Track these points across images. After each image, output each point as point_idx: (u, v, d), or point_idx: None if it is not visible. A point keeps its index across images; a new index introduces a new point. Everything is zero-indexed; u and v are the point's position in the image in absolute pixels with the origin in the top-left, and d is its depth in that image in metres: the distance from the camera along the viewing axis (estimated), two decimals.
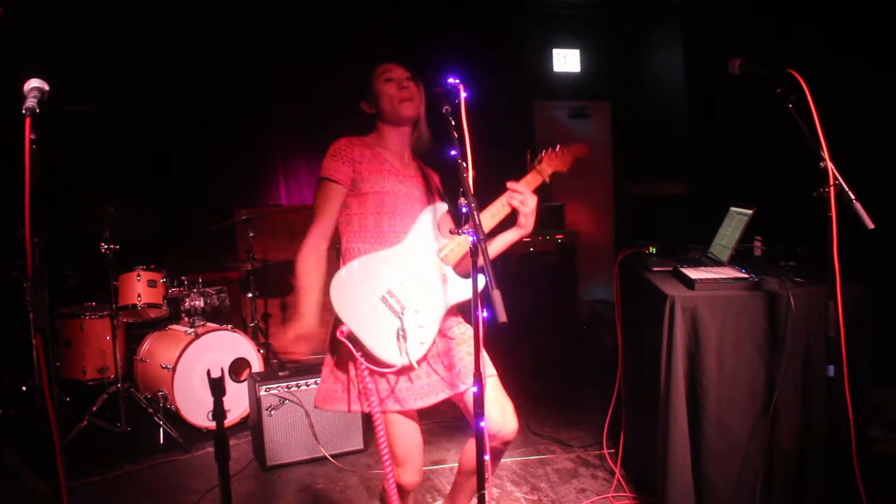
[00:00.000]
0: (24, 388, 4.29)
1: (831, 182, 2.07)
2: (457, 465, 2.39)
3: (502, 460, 3.38)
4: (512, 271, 4.89)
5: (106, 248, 3.83)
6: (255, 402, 3.46)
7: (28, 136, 1.47)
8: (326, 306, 1.93)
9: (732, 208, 3.01)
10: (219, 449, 1.98)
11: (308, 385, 3.47)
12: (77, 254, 4.37)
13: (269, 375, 3.54)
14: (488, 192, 2.02)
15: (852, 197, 2.05)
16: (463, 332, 2.09)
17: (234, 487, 3.15)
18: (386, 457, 1.95)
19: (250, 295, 4.60)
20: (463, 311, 2.10)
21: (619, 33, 6.98)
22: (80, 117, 4.40)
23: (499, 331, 1.54)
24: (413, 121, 2.10)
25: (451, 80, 1.83)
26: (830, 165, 2.08)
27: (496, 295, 1.52)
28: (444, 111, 1.83)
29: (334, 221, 2.04)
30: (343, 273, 1.92)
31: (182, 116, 5.21)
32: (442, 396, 2.01)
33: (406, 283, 1.95)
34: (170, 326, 4.28)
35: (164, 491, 3.29)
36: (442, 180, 2.20)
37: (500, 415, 2.03)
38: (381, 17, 5.65)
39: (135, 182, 4.94)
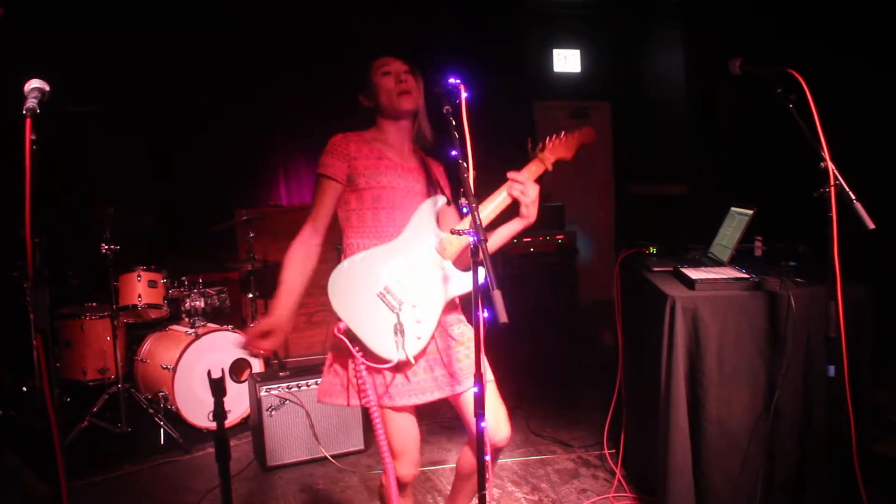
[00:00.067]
0: (24, 389, 4.29)
1: (832, 182, 2.07)
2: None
3: (502, 461, 3.39)
4: (512, 271, 4.88)
5: (106, 249, 3.83)
6: (256, 402, 3.46)
7: (28, 136, 1.47)
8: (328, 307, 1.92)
9: (733, 208, 3.01)
10: (219, 449, 1.98)
11: (308, 385, 3.47)
12: (77, 254, 4.37)
13: (269, 376, 3.54)
14: (489, 191, 2.01)
15: (853, 197, 2.06)
16: (462, 333, 2.08)
17: (235, 488, 3.15)
18: (384, 450, 1.94)
19: (251, 295, 4.59)
20: (465, 310, 2.09)
21: (619, 33, 6.98)
22: (81, 117, 4.41)
23: (499, 331, 1.54)
24: (412, 114, 2.08)
25: (451, 81, 1.82)
26: (831, 165, 2.08)
27: (497, 295, 1.51)
28: (444, 111, 1.83)
29: (328, 217, 2.03)
30: (340, 269, 1.92)
31: (182, 116, 5.20)
32: (437, 395, 2.00)
33: (403, 277, 1.94)
34: (170, 327, 4.28)
35: (165, 491, 3.29)
36: (447, 171, 2.17)
37: (493, 420, 2.02)
38: (381, 17, 5.65)
39: (135, 182, 4.94)
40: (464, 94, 1.79)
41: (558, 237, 5.10)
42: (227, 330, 4.08)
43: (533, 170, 2.04)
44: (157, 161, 5.22)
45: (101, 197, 4.04)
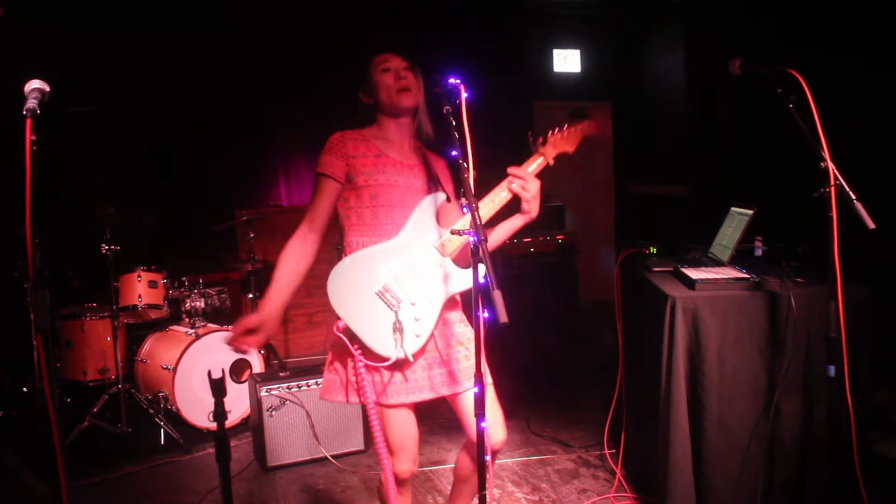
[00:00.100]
0: (24, 389, 4.29)
1: (832, 182, 2.07)
2: None
3: (503, 461, 3.39)
4: (512, 271, 4.88)
5: (106, 249, 3.83)
6: (256, 402, 3.46)
7: (28, 136, 1.47)
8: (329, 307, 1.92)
9: (733, 208, 3.01)
10: (220, 450, 1.98)
11: (309, 386, 3.47)
12: (78, 254, 4.37)
13: (269, 376, 3.54)
14: (489, 190, 2.00)
15: (853, 197, 2.05)
16: (462, 333, 2.08)
17: (235, 488, 3.15)
18: (381, 448, 1.94)
19: (251, 296, 4.59)
20: (466, 309, 2.09)
21: (619, 33, 6.98)
22: (81, 118, 4.41)
23: (499, 331, 1.53)
24: (412, 111, 2.07)
25: (451, 81, 1.82)
26: (831, 165, 2.08)
27: (497, 296, 1.51)
28: (444, 111, 1.82)
29: (325, 216, 2.03)
30: (339, 268, 1.92)
31: (182, 117, 5.20)
32: (434, 394, 2.00)
33: (402, 275, 1.94)
34: (170, 327, 4.28)
35: (165, 492, 3.29)
36: (449, 166, 2.14)
37: (489, 424, 2.01)
38: (381, 17, 5.65)
39: (135, 182, 4.94)
40: (464, 95, 1.79)
41: (558, 237, 5.09)
42: (228, 330, 4.06)
43: (534, 164, 2.01)
44: (157, 161, 5.22)
45: (101, 197, 4.04)
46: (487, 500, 1.73)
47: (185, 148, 5.24)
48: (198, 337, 3.95)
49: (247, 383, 3.75)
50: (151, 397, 4.05)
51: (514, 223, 2.02)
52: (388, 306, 1.90)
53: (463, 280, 1.99)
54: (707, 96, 5.63)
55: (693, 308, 2.46)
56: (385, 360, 1.88)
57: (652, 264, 2.96)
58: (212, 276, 4.70)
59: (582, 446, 3.57)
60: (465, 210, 1.74)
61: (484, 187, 1.94)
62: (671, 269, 2.82)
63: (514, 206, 1.99)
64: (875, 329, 2.46)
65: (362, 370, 1.90)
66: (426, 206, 2.02)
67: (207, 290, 4.31)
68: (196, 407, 3.90)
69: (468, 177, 1.75)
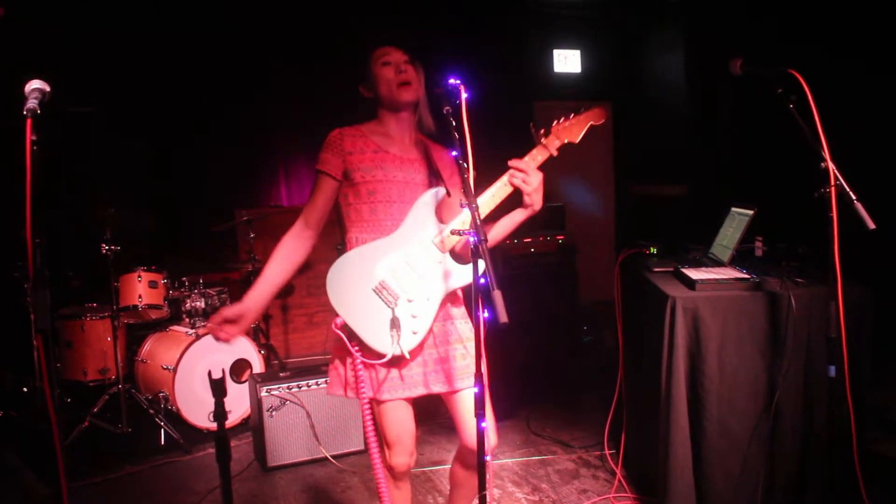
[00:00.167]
0: (25, 389, 4.29)
1: (832, 182, 2.07)
2: None
3: (503, 461, 3.39)
4: (512, 271, 4.88)
5: (107, 249, 3.83)
6: (256, 402, 3.46)
7: (29, 137, 1.47)
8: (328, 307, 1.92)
9: (733, 209, 3.01)
10: (220, 450, 1.98)
11: (309, 386, 3.47)
12: (78, 255, 4.36)
13: (270, 376, 3.54)
14: (490, 185, 1.99)
15: (853, 197, 2.05)
16: (463, 330, 2.07)
17: (236, 488, 3.15)
18: (372, 443, 1.93)
19: None
20: (468, 305, 2.08)
21: (619, 33, 6.98)
22: (81, 118, 4.41)
23: (499, 331, 1.53)
24: (412, 105, 2.05)
25: (451, 81, 1.82)
26: (831, 166, 2.08)
27: (497, 296, 1.51)
28: (444, 111, 1.82)
29: (321, 212, 2.03)
30: (337, 265, 1.92)
31: (182, 117, 5.20)
32: (429, 390, 2.00)
33: (399, 271, 1.93)
34: (171, 327, 4.28)
35: (165, 492, 3.29)
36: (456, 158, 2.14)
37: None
38: (381, 18, 5.65)
39: (135, 183, 4.94)
40: (464, 95, 1.78)
41: (558, 237, 5.09)
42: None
43: (536, 156, 1.95)
44: (157, 161, 5.22)
45: (101, 197, 4.04)
46: (487, 500, 1.73)
47: (186, 148, 5.24)
48: (198, 337, 3.95)
49: (247, 383, 3.75)
50: (152, 397, 4.05)
51: (517, 217, 1.99)
52: (385, 303, 1.90)
53: (462, 276, 1.98)
54: (707, 96, 5.64)
55: (693, 308, 2.46)
56: (381, 356, 1.88)
57: (652, 264, 2.96)
58: (212, 276, 4.70)
59: (582, 446, 3.57)
60: (462, 205, 1.73)
61: (484, 188, 1.94)
62: (671, 269, 2.82)
63: (517, 199, 1.95)
64: (875, 329, 2.46)
65: (360, 367, 1.91)
66: (426, 201, 2.00)
67: (208, 290, 4.31)
68: (196, 407, 3.90)
69: (468, 177, 1.75)
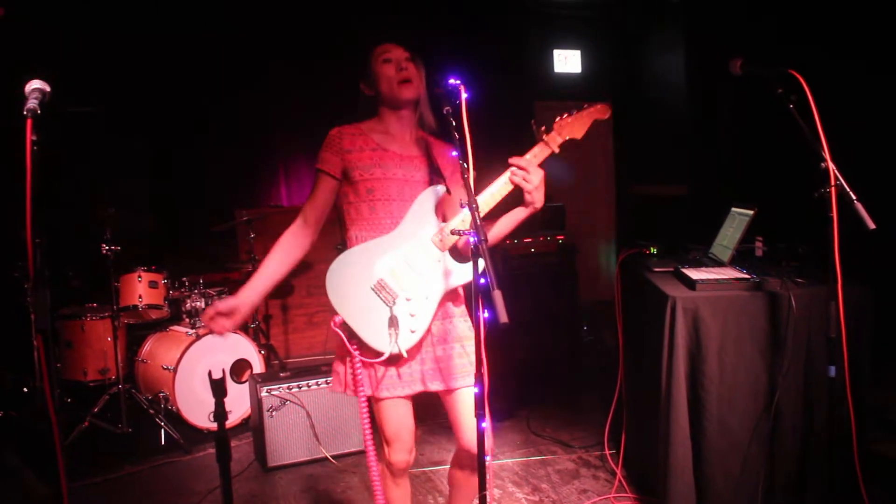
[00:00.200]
0: (25, 390, 4.29)
1: (832, 182, 2.07)
2: None
3: (503, 461, 3.39)
4: (512, 271, 4.88)
5: (107, 249, 3.83)
6: (257, 403, 3.46)
7: (29, 137, 1.47)
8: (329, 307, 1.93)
9: (733, 209, 3.01)
10: (220, 450, 1.98)
11: (309, 386, 3.47)
12: (78, 255, 4.36)
13: (270, 376, 3.55)
14: (490, 183, 1.98)
15: (853, 197, 2.05)
16: (462, 329, 2.06)
17: (236, 489, 3.15)
18: (368, 441, 1.93)
19: None
20: (469, 304, 2.08)
21: (619, 33, 6.97)
22: (81, 118, 4.41)
23: (499, 331, 1.53)
24: (413, 102, 2.05)
25: (451, 81, 1.81)
26: (831, 166, 2.08)
27: (497, 295, 1.50)
28: (444, 112, 1.82)
29: (320, 211, 2.03)
30: (336, 263, 1.92)
31: (182, 117, 5.20)
32: (425, 388, 2.00)
33: (398, 270, 1.93)
34: (171, 327, 4.28)
35: (165, 492, 3.29)
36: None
37: (472, 430, 1.99)
38: (381, 17, 5.65)
39: (135, 183, 4.94)
40: (464, 95, 1.78)
41: (558, 237, 5.09)
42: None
43: (537, 153, 1.93)
44: (157, 161, 5.22)
45: (101, 197, 4.04)
46: (488, 500, 1.73)
47: (185, 148, 5.24)
48: (198, 337, 3.95)
49: (247, 383, 3.75)
50: (152, 397, 4.05)
51: (518, 215, 1.97)
52: (384, 302, 1.90)
53: (462, 275, 1.97)
54: (707, 96, 5.63)
55: (693, 308, 2.46)
56: (379, 355, 1.88)
57: (652, 264, 2.96)
58: (212, 276, 4.70)
59: (582, 446, 3.57)
60: (462, 205, 1.73)
61: (484, 188, 1.93)
62: (671, 269, 2.82)
63: (518, 197, 1.94)
64: (875, 329, 2.46)
65: (358, 365, 1.91)
66: (425, 199, 1.99)
67: (208, 290, 4.31)
68: (196, 407, 3.90)
69: (468, 177, 1.75)
